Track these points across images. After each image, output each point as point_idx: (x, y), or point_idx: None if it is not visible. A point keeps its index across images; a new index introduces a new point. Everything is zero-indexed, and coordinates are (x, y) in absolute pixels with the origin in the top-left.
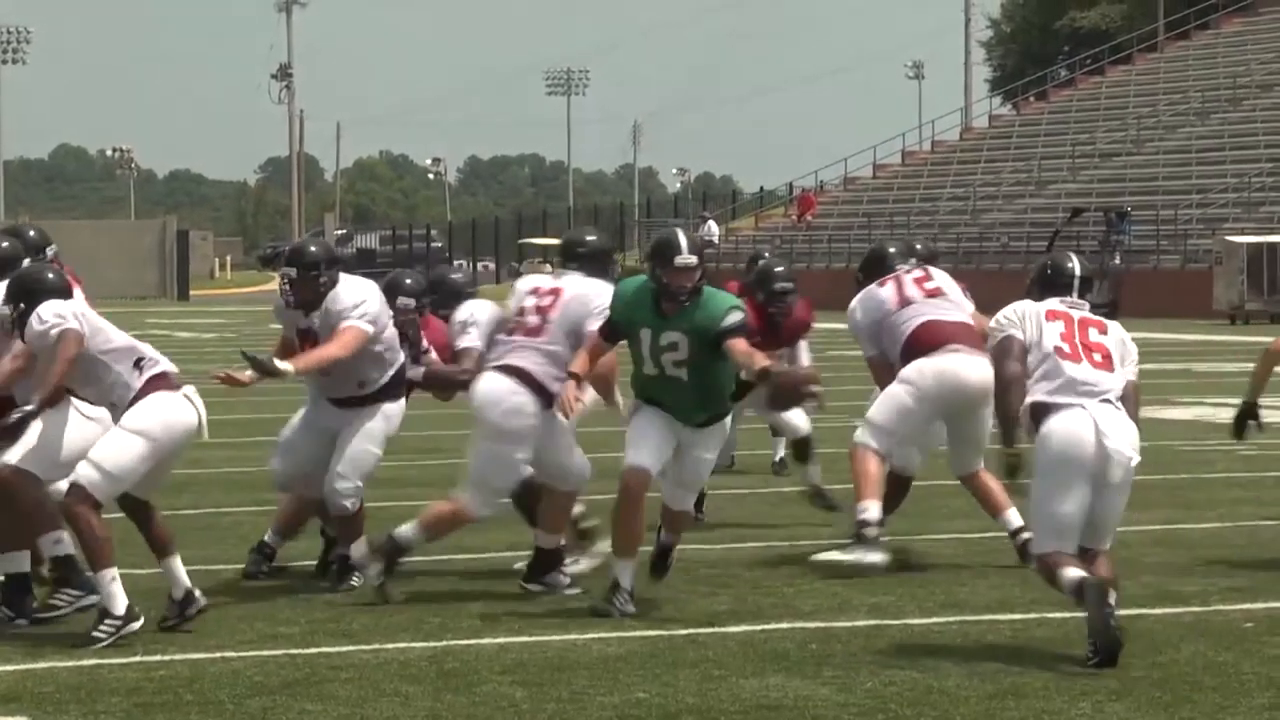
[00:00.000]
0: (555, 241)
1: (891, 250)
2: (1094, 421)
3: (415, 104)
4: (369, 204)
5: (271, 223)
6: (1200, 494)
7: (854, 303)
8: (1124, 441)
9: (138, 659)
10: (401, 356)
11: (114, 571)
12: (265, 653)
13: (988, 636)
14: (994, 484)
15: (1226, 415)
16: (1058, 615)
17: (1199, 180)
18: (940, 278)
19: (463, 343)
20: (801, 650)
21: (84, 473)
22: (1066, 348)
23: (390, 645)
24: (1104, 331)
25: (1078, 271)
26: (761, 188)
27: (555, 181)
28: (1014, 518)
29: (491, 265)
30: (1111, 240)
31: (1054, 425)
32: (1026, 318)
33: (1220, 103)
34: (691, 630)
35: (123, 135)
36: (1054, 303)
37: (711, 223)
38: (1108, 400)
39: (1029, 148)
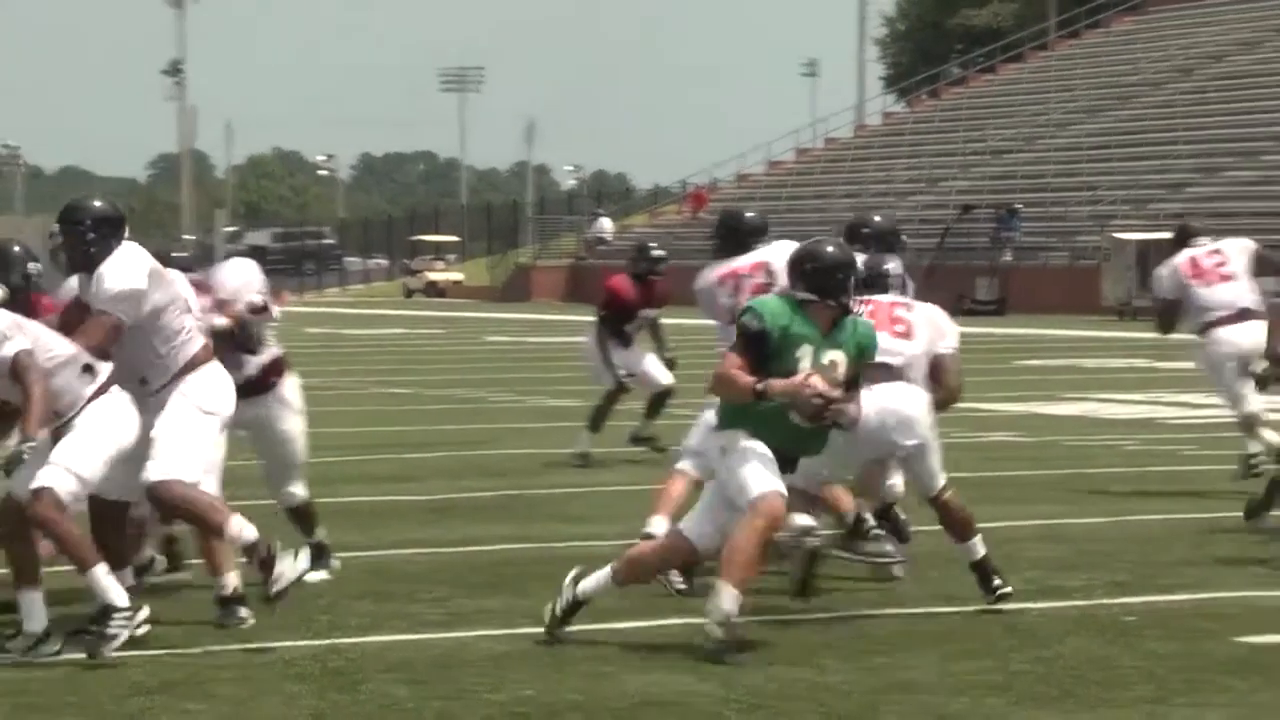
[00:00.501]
0: (449, 239)
1: (748, 216)
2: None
3: (308, 101)
4: (261, 201)
5: (161, 219)
6: (1084, 489)
7: (700, 280)
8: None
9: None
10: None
11: (104, 566)
12: (148, 652)
13: (873, 631)
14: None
15: (1113, 411)
16: (943, 610)
17: (1088, 178)
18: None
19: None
20: (686, 646)
21: (54, 478)
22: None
23: (276, 644)
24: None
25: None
26: (655, 185)
27: (448, 179)
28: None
29: (385, 262)
30: (1001, 237)
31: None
32: None
33: (1110, 101)
34: (578, 627)
35: (10, 132)
36: None
37: (604, 220)
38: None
39: (922, 145)
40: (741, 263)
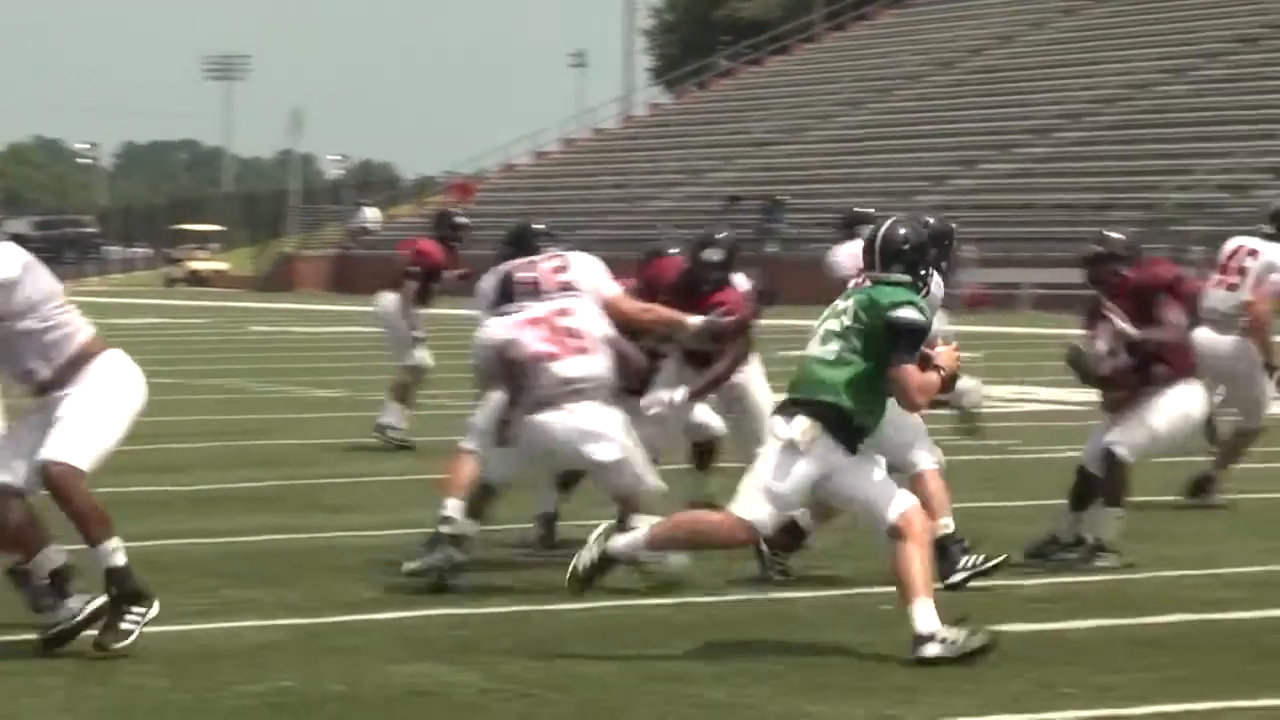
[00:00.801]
0: (212, 228)
1: (537, 228)
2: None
3: (70, 88)
4: (21, 189)
5: None
6: None
7: (487, 275)
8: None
9: None
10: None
11: None
12: None
13: (633, 621)
14: None
15: None
16: (703, 599)
17: (852, 169)
18: (578, 271)
19: None
20: (448, 636)
21: None
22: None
23: (27, 636)
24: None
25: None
26: (422, 175)
27: (213, 167)
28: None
29: (148, 251)
30: (766, 228)
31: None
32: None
33: (872, 93)
34: (338, 618)
35: None
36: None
37: (366, 209)
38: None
39: (688, 136)
40: (535, 256)
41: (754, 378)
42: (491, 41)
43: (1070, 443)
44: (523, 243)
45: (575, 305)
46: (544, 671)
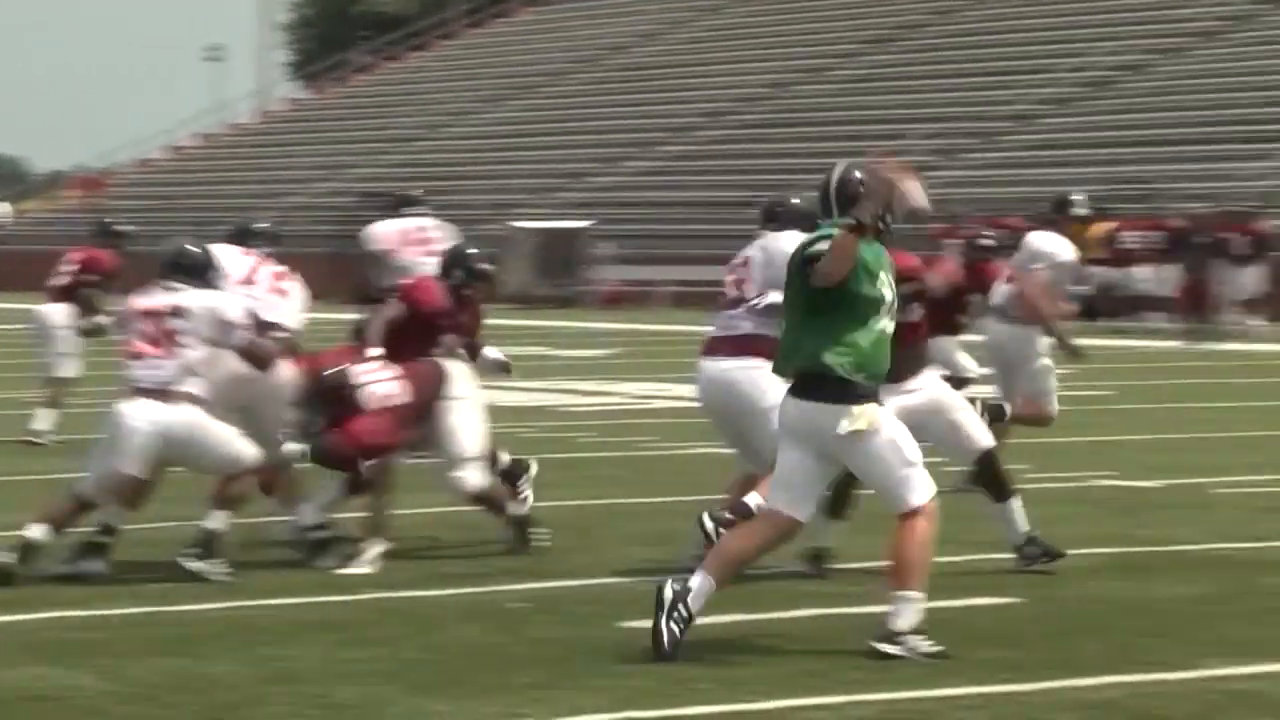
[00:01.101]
0: None
1: (258, 227)
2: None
3: None
4: None
5: None
6: None
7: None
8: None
9: None
10: None
11: None
12: None
13: (259, 622)
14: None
15: (508, 398)
16: (332, 599)
17: (492, 166)
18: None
19: None
20: (73, 639)
21: None
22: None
23: None
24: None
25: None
26: (52, 169)
27: None
28: (308, 513)
29: None
30: None
31: None
32: None
33: (513, 90)
34: None
35: None
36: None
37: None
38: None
39: (327, 131)
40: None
41: (460, 399)
42: (125, 34)
43: (706, 439)
44: (238, 239)
45: (199, 306)
46: (170, 673)
